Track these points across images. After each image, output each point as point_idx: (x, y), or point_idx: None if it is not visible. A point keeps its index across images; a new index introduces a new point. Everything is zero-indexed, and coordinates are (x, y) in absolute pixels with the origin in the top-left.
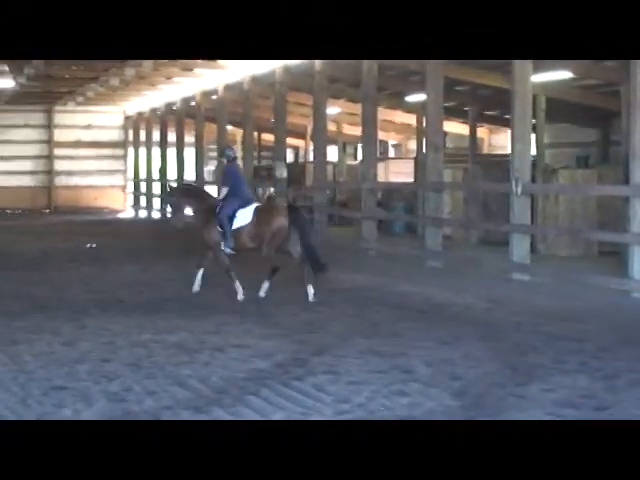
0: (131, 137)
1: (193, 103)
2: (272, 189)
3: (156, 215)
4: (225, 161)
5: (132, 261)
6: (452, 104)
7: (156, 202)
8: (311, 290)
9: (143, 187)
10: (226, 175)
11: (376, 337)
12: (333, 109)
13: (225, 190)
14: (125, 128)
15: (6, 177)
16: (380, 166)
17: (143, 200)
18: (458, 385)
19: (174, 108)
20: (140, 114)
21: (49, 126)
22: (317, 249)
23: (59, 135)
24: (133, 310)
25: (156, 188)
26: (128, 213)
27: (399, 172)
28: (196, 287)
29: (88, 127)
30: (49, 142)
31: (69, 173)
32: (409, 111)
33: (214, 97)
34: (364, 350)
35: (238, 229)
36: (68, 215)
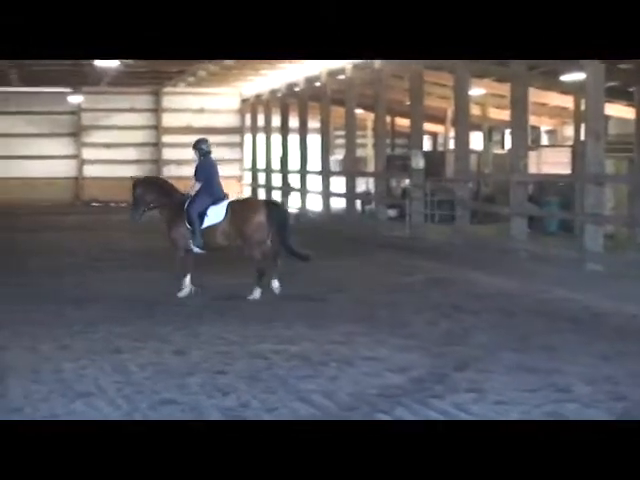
0: (248, 122)
1: (318, 84)
2: (407, 181)
3: None
4: (198, 155)
5: (249, 261)
6: (615, 84)
7: (276, 195)
8: (276, 283)
9: (261, 178)
10: (199, 169)
11: (526, 351)
12: (477, 90)
13: (198, 185)
14: (241, 112)
15: (109, 167)
16: (531, 155)
17: (262, 193)
18: (621, 407)
19: (296, 90)
20: (258, 96)
21: (157, 110)
22: (294, 244)
23: (168, 120)
24: (251, 316)
25: (276, 180)
26: None
27: (553, 162)
28: (184, 293)
29: (200, 111)
30: (157, 128)
31: (178, 162)
32: (565, 92)
33: (341, 77)
34: (512, 365)
35: (210, 227)
36: None
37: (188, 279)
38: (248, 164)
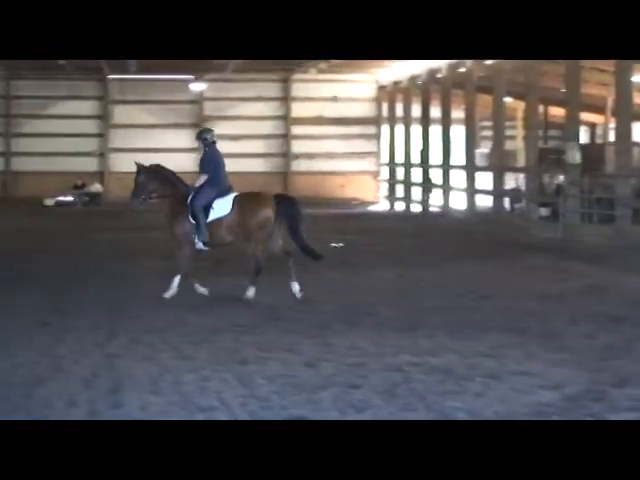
0: (385, 112)
1: (463, 70)
2: (561, 177)
3: (416, 208)
4: (203, 145)
5: (387, 265)
6: None
7: (416, 192)
8: (296, 287)
9: (400, 174)
10: (205, 161)
11: None
12: None
13: (204, 178)
14: (378, 101)
15: (233, 161)
16: None
17: (400, 190)
18: None
19: (439, 76)
20: (396, 84)
21: (286, 99)
22: (306, 240)
23: (298, 110)
24: (388, 325)
25: (416, 175)
26: (381, 205)
27: None
28: (170, 293)
29: (333, 100)
30: (285, 118)
31: (309, 156)
32: None
33: (489, 62)
34: None
35: (215, 221)
36: (307, 207)
37: (178, 280)
38: (385, 158)
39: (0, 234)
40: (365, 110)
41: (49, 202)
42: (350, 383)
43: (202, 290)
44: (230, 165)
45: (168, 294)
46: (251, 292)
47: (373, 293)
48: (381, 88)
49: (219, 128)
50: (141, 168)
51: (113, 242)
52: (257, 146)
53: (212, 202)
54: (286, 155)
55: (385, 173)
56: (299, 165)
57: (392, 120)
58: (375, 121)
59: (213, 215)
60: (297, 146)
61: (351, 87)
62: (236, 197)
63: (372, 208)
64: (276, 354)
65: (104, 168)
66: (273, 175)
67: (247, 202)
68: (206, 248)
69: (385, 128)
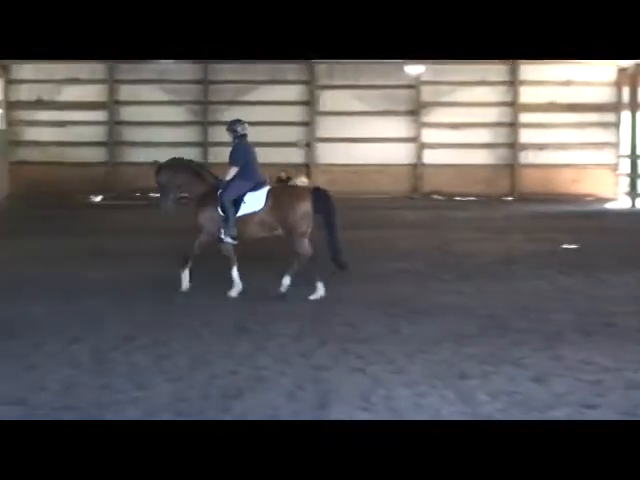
0: (626, 97)
1: None
2: None
3: None
4: (232, 137)
5: (628, 269)
6: None
7: None
8: (321, 289)
9: None
10: (235, 153)
11: None
12: None
13: (234, 170)
14: (618, 85)
15: (454, 152)
16: None
17: None
18: None
19: None
20: None
21: (513, 83)
22: (339, 242)
23: (526, 95)
24: (629, 337)
25: None
26: (620, 203)
27: None
28: (234, 291)
29: (567, 84)
30: (512, 105)
31: (539, 147)
32: None
33: None
34: None
35: (246, 216)
36: (535, 204)
37: (236, 273)
38: (625, 149)
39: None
40: (603, 95)
41: None
42: (585, 402)
43: (185, 285)
44: (450, 157)
45: (233, 292)
46: (321, 289)
47: (612, 301)
48: (622, 71)
49: (437, 116)
50: (160, 166)
51: None
52: (480, 135)
53: (243, 196)
54: (513, 146)
55: (625, 166)
56: (527, 157)
57: (634, 106)
58: (614, 108)
59: (244, 209)
60: (525, 136)
61: (587, 70)
62: (270, 191)
63: (610, 205)
64: (501, 368)
65: (310, 160)
66: (498, 168)
67: (284, 196)
68: (235, 242)
69: (626, 115)
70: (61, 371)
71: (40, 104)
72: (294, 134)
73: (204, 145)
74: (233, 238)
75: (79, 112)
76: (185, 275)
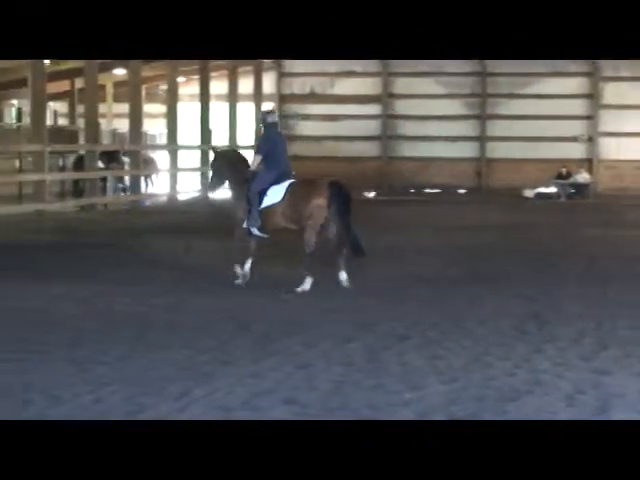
0: None
1: None
2: None
3: None
4: (262, 127)
5: None
6: None
7: None
8: (344, 276)
9: None
10: (261, 142)
11: None
12: None
13: (258, 158)
14: None
15: None
16: None
17: None
18: None
19: None
20: None
21: None
22: (356, 231)
23: None
24: None
25: None
26: None
27: None
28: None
29: None
30: None
31: None
32: None
33: None
34: None
35: (269, 208)
36: None
37: (247, 266)
38: None
39: (476, 229)
40: None
41: (528, 193)
42: None
43: (239, 277)
44: None
45: (240, 281)
46: (307, 284)
47: None
48: None
49: None
50: (216, 154)
51: (605, 241)
52: None
53: (268, 188)
54: None
55: None
56: None
57: None
58: None
59: (266, 202)
60: None
61: None
62: (291, 184)
63: None
64: None
65: (592, 155)
66: None
67: (300, 189)
68: (261, 234)
69: None
70: (333, 370)
71: (313, 97)
72: (575, 128)
73: (481, 140)
74: (257, 229)
75: (353, 105)
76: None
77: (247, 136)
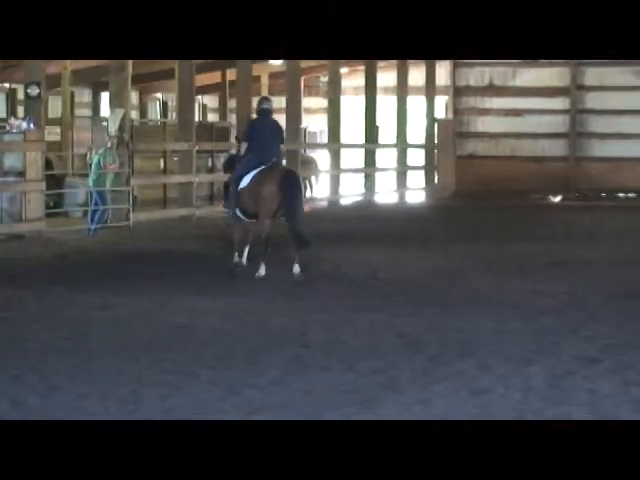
0: None
1: None
2: None
3: None
4: (255, 114)
5: None
6: None
7: None
8: (296, 268)
9: None
10: (247, 128)
11: None
12: None
13: (244, 146)
14: None
15: None
16: None
17: None
18: None
19: None
20: None
21: None
22: (302, 222)
23: None
24: None
25: None
26: None
27: None
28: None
29: None
30: None
31: None
32: None
33: None
34: None
35: (241, 192)
36: None
37: (245, 254)
38: None
39: None
40: None
41: None
42: None
43: (260, 272)
44: None
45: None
46: (296, 269)
47: None
48: None
49: None
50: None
51: None
52: None
53: (246, 173)
54: None
55: None
56: None
57: None
58: None
59: (240, 186)
60: None
61: None
62: (259, 171)
63: None
64: None
65: None
66: None
67: (260, 176)
68: (244, 218)
69: None
70: (511, 396)
71: (492, 90)
72: None
73: None
74: (242, 214)
75: (536, 99)
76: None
77: (417, 133)
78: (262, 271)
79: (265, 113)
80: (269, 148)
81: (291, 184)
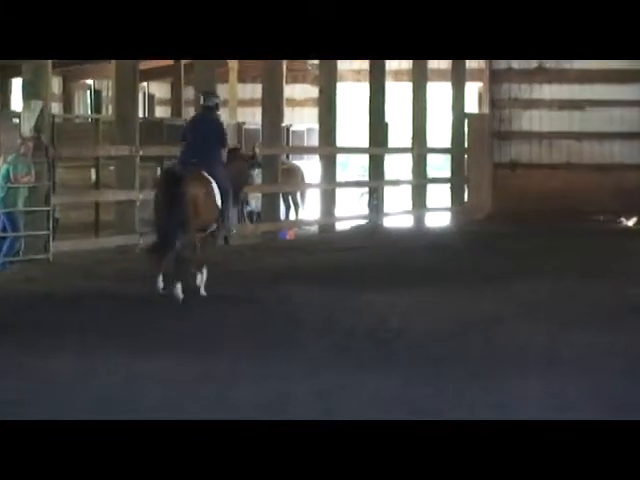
0: None
1: None
2: None
3: None
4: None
5: None
6: None
7: None
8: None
9: None
10: (184, 128)
11: None
12: None
13: (182, 144)
14: None
15: None
16: None
17: None
18: None
19: None
20: None
21: None
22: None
23: None
24: None
25: None
26: None
27: None
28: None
29: None
30: None
31: None
32: None
33: None
34: None
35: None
36: None
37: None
38: None
39: None
40: None
41: None
42: None
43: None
44: None
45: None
46: (178, 289)
47: None
48: None
49: None
50: None
51: None
52: None
53: None
54: None
55: None
56: None
57: None
58: None
59: None
60: None
61: None
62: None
63: None
64: None
65: None
66: None
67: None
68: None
69: None
70: None
71: (542, 74)
72: None
73: None
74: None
75: (603, 87)
76: None
77: (441, 133)
78: (178, 291)
79: (207, 111)
80: (198, 149)
81: (177, 190)
